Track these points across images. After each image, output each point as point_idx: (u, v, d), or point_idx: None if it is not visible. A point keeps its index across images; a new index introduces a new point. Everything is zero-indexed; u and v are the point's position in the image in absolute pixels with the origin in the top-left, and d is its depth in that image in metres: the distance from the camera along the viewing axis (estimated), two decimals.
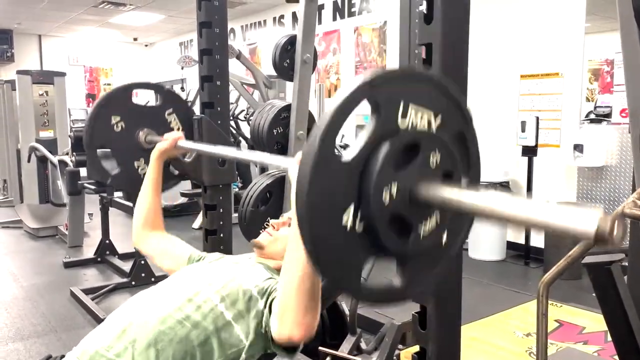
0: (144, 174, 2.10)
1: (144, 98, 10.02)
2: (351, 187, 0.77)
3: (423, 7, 1.20)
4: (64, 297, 3.78)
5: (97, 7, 7.91)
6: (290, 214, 1.70)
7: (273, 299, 1.35)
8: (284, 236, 1.62)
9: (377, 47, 6.24)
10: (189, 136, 2.05)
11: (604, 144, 4.26)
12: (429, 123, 0.85)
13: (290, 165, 1.19)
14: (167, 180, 1.89)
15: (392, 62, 6.02)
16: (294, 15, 7.34)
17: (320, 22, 6.86)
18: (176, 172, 2.02)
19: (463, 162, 0.92)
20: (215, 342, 1.32)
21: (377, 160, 0.77)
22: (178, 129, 2.08)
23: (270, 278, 1.47)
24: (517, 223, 0.70)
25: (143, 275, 4.00)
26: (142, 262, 3.98)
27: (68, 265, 4.57)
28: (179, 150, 1.83)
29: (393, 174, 0.78)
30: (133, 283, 3.97)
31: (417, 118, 0.83)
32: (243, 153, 1.46)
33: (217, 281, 1.44)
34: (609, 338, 3.05)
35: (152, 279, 3.99)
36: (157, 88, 2.17)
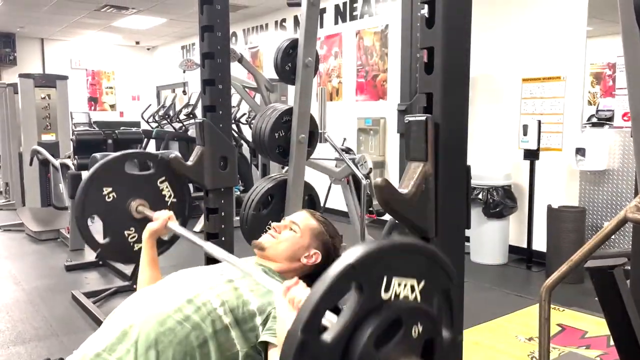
0: (134, 241, 2.10)
1: (146, 102, 9.97)
2: None
3: (424, 11, 1.20)
4: (65, 301, 3.78)
5: (99, 10, 7.94)
6: (292, 218, 1.70)
7: (270, 329, 1.36)
8: (285, 239, 1.63)
9: (378, 51, 6.24)
10: (181, 206, 2.09)
11: (606, 148, 4.25)
12: (412, 289, 0.86)
13: (277, 295, 1.20)
14: (159, 247, 1.92)
15: (394, 65, 6.03)
16: (296, 18, 7.35)
17: (322, 26, 6.87)
18: (166, 238, 2.03)
19: (446, 316, 0.95)
20: (213, 345, 1.33)
21: (359, 343, 0.79)
22: (170, 197, 2.10)
23: (269, 304, 1.44)
24: None
25: None
26: None
27: (70, 268, 4.57)
28: (168, 231, 1.87)
29: (374, 354, 0.80)
30: (134, 286, 3.93)
31: (401, 288, 0.85)
32: (232, 258, 1.47)
33: (218, 285, 1.44)
34: (612, 342, 3.04)
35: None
36: (150, 157, 2.16)
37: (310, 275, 1.65)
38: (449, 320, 0.95)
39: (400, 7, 5.84)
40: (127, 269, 4.30)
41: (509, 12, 4.84)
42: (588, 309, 3.37)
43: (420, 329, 0.86)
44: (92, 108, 10.97)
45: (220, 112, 2.06)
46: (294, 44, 2.60)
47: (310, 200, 2.85)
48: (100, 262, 4.68)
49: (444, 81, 1.16)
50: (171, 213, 1.87)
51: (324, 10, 6.87)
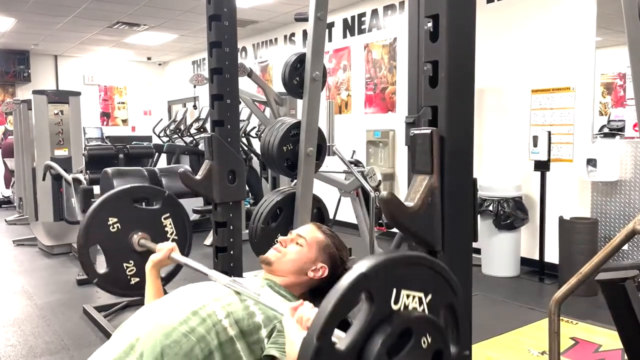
0: (132, 275, 2.12)
1: (157, 117, 10.04)
2: None
3: (429, 26, 1.21)
4: (76, 315, 3.80)
5: (111, 27, 8.06)
6: (299, 231, 1.71)
7: (276, 342, 1.36)
8: (293, 252, 1.63)
9: (387, 64, 6.26)
10: (182, 243, 2.09)
11: (617, 158, 4.22)
12: (420, 302, 0.89)
13: (285, 315, 1.21)
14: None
15: (403, 78, 6.04)
16: (305, 33, 7.40)
17: (330, 40, 6.92)
18: (169, 268, 2.06)
19: (453, 332, 0.97)
20: (219, 356, 1.33)
21: (372, 352, 0.81)
22: (172, 233, 2.12)
23: (275, 317, 1.44)
24: None
25: None
26: None
27: (81, 282, 4.59)
28: (172, 262, 1.88)
29: None
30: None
31: (409, 300, 0.88)
32: (235, 286, 1.49)
33: (223, 297, 1.44)
34: (627, 356, 2.99)
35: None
36: (157, 192, 2.20)
37: (317, 289, 1.65)
38: (455, 335, 0.96)
39: (407, 21, 5.88)
40: None
41: (517, 23, 4.84)
42: (602, 322, 3.32)
43: (430, 340, 0.87)
44: (105, 123, 11.10)
45: (229, 126, 2.08)
46: (301, 59, 2.63)
47: (319, 213, 2.86)
48: None
49: (449, 94, 1.17)
50: (174, 244, 1.88)
51: (332, 24, 6.93)
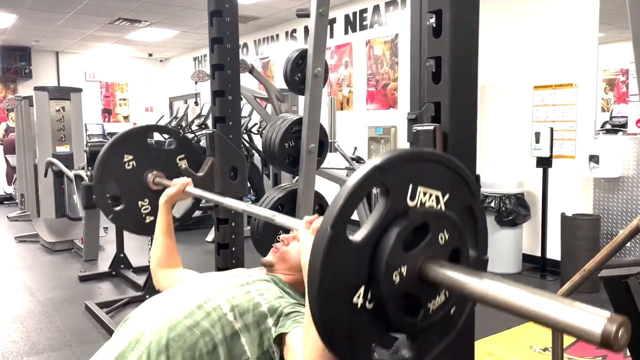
0: (146, 214, 2.12)
1: (159, 113, 10.04)
2: (362, 267, 0.79)
3: (432, 21, 1.20)
4: (79, 311, 3.81)
5: (112, 24, 8.05)
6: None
7: (283, 325, 1.35)
8: (296, 250, 1.62)
9: (389, 60, 6.25)
10: (197, 185, 2.08)
11: (620, 155, 4.21)
12: (438, 200, 0.87)
13: (300, 228, 1.22)
14: None
15: (404, 74, 6.03)
16: (306, 29, 7.39)
17: (332, 36, 6.91)
18: (176, 216, 2.03)
19: (471, 235, 0.94)
20: (223, 351, 1.32)
21: (388, 244, 0.80)
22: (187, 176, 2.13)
23: (281, 297, 1.46)
24: (523, 316, 0.67)
25: (156, 288, 4.01)
26: None
27: (83, 279, 4.61)
28: (186, 196, 1.87)
29: (403, 255, 0.80)
30: (147, 297, 3.98)
31: (426, 197, 0.85)
32: (251, 207, 1.49)
33: (228, 290, 1.44)
34: (629, 353, 2.99)
35: None
36: (173, 133, 2.21)
37: None
38: (474, 239, 0.94)
39: (409, 17, 5.85)
40: (140, 279, 4.33)
41: (520, 19, 4.82)
42: None
43: (447, 236, 0.85)
44: (106, 119, 11.10)
45: (230, 122, 2.07)
46: (303, 55, 2.61)
47: (321, 210, 2.85)
48: (114, 273, 4.72)
49: (452, 90, 1.16)
50: (190, 179, 1.88)
51: (334, 20, 6.91)
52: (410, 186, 0.83)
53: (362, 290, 0.79)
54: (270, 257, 1.64)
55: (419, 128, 1.20)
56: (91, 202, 4.55)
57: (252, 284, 1.50)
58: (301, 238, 1.18)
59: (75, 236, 5.69)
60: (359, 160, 4.62)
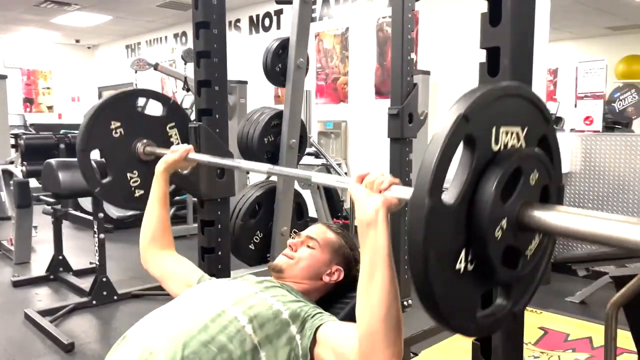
0: (136, 187, 1.93)
1: (86, 103, 9.46)
2: (458, 230, 0.75)
3: (485, 9, 1.11)
4: (17, 321, 3.45)
5: (38, 6, 7.44)
6: (308, 232, 1.56)
7: (314, 331, 1.23)
8: (305, 256, 1.50)
9: (339, 54, 6.18)
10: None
11: (568, 151, 4.37)
12: (518, 137, 0.81)
13: (351, 185, 1.11)
14: None
15: (355, 68, 5.98)
16: (251, 19, 7.18)
17: (279, 28, 6.75)
18: (185, 172, 1.86)
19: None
20: None
21: (486, 199, 0.74)
22: (178, 144, 1.95)
23: (299, 301, 1.34)
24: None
25: (105, 293, 3.71)
26: (104, 279, 3.70)
27: (17, 284, 4.20)
28: (188, 163, 1.69)
29: (502, 208, 0.76)
30: (94, 302, 3.68)
31: (508, 137, 0.79)
32: (278, 169, 1.34)
33: (243, 300, 1.29)
34: (595, 344, 3.08)
35: (115, 297, 3.73)
36: (163, 99, 2.03)
37: (334, 293, 1.54)
38: (552, 168, 0.90)
39: (360, 10, 5.81)
40: (83, 283, 4.00)
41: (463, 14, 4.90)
42: (563, 311, 3.42)
43: (537, 176, 0.81)
44: (28, 110, 10.30)
45: (217, 115, 1.89)
46: (284, 44, 2.48)
47: (298, 208, 2.73)
48: (52, 277, 4.34)
49: None
50: (191, 146, 1.70)
51: (280, 12, 6.74)
52: (494, 129, 0.77)
53: (462, 254, 0.75)
54: (280, 262, 1.51)
55: None
56: (27, 199, 4.16)
57: (267, 290, 1.36)
58: (355, 194, 1.09)
59: (4, 237, 5.20)
60: (317, 155, 4.51)
